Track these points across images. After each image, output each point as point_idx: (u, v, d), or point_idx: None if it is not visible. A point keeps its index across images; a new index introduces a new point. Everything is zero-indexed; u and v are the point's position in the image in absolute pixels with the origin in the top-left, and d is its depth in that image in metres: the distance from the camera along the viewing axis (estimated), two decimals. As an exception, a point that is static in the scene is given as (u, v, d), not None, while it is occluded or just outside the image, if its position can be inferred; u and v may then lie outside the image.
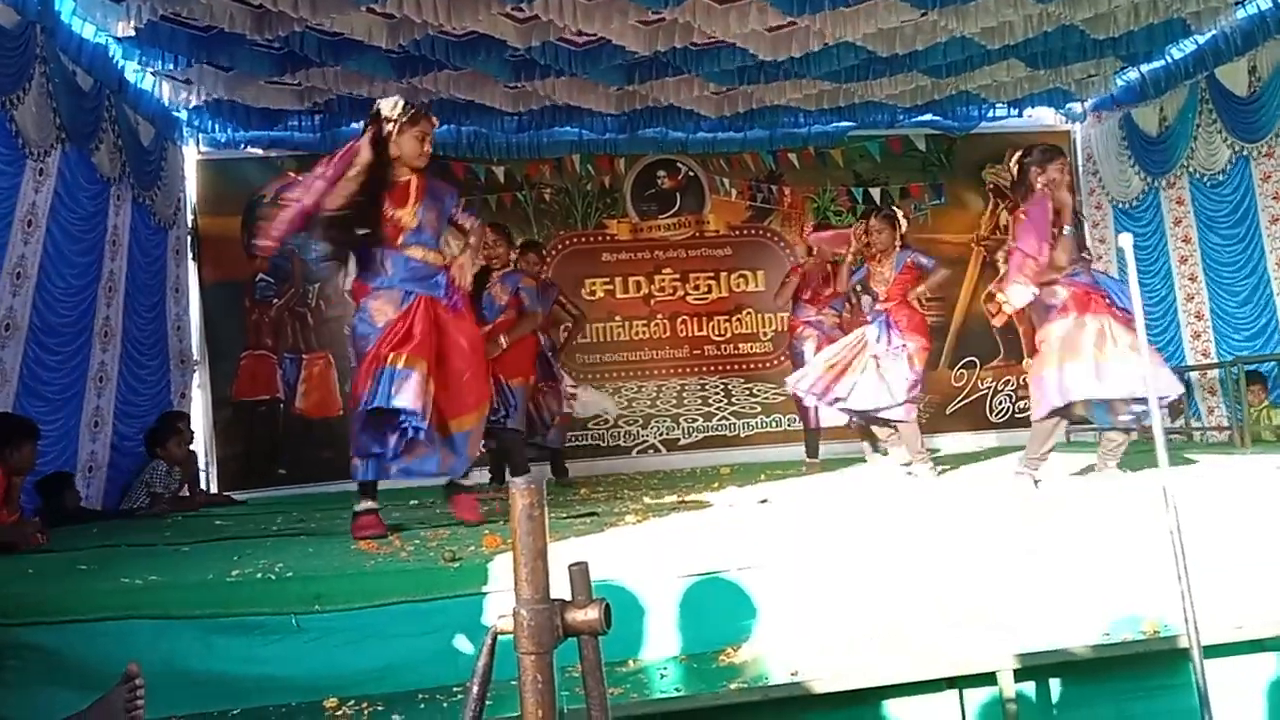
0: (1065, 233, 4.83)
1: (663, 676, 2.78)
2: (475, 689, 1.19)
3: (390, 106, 4.21)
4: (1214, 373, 7.90)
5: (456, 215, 4.52)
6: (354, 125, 8.08)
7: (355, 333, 4.23)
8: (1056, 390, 4.65)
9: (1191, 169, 7.85)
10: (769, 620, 3.05)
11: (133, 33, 5.90)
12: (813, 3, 6.08)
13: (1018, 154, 5.01)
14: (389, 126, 4.20)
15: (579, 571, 1.21)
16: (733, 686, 2.65)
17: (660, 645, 2.99)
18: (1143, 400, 4.52)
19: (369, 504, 4.27)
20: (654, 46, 6.71)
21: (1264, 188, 7.24)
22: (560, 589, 1.22)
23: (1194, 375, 8.02)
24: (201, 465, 7.96)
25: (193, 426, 7.34)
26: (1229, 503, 3.67)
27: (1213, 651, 2.90)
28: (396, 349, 4.02)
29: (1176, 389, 4.77)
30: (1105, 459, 4.86)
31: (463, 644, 2.90)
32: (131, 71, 6.74)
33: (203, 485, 7.57)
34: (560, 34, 6.46)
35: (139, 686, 2.12)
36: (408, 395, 3.94)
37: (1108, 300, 4.73)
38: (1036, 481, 4.84)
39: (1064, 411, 4.78)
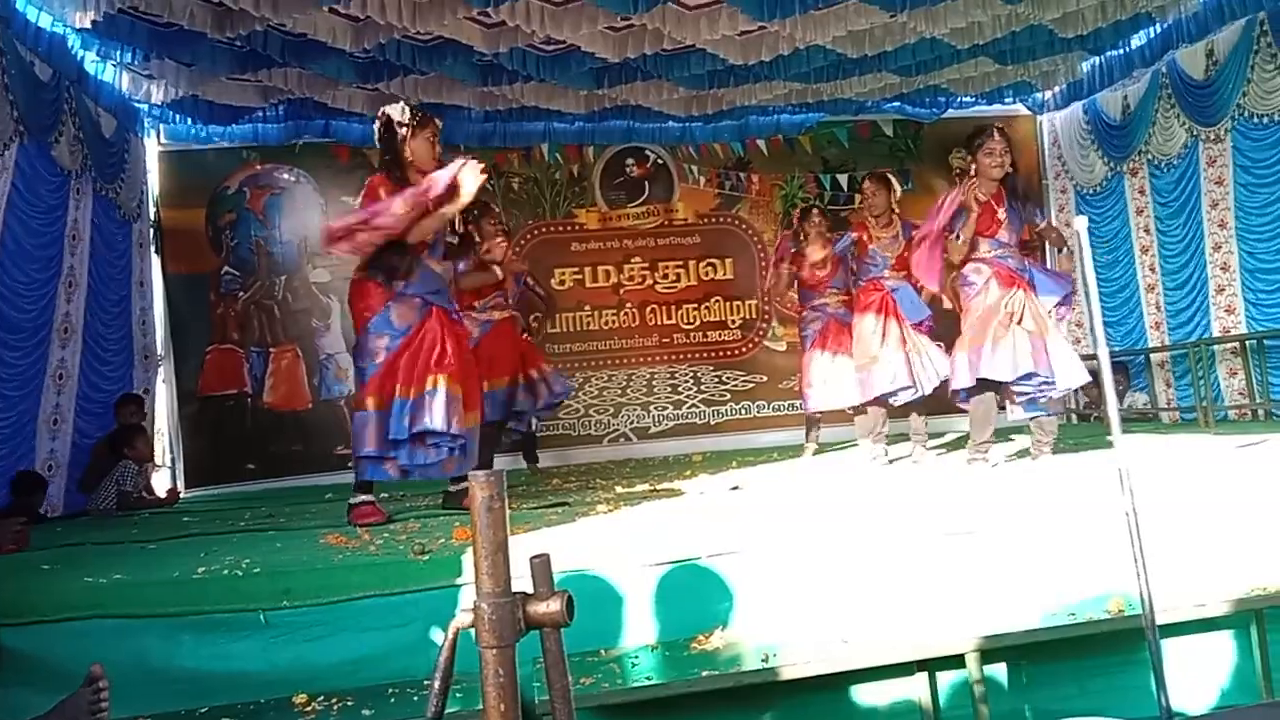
0: (1000, 215, 4.86)
1: (634, 665, 2.79)
2: (437, 684, 1.18)
3: (399, 112, 4.27)
4: (1167, 358, 8.00)
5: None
6: (318, 121, 8.04)
7: (369, 329, 4.19)
8: (964, 370, 4.78)
9: (1149, 155, 7.93)
10: (741, 607, 3.06)
11: (89, 25, 5.78)
12: (783, 7, 6.06)
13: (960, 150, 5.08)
14: (401, 131, 4.24)
15: (540, 564, 1.21)
16: (704, 674, 2.66)
17: (632, 634, 3.00)
18: (1028, 379, 4.64)
19: (365, 495, 4.33)
20: (623, 53, 6.68)
21: (1209, 172, 7.30)
22: (526, 582, 1.22)
23: (1154, 359, 8.12)
24: (166, 461, 7.89)
25: (153, 417, 7.27)
26: (1192, 483, 3.72)
27: (1175, 630, 2.96)
28: (431, 370, 4.10)
29: (1082, 377, 4.76)
30: (1040, 446, 4.94)
31: (433, 637, 2.90)
32: (91, 62, 6.60)
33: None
34: (528, 40, 6.41)
35: (103, 689, 2.10)
36: (439, 416, 4.05)
37: (1030, 285, 4.79)
38: (994, 465, 4.89)
39: (979, 389, 4.86)
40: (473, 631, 1.17)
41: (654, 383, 8.81)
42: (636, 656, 2.87)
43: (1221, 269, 7.19)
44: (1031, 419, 4.97)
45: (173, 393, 8.02)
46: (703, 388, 8.87)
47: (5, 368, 5.59)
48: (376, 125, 4.34)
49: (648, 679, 2.66)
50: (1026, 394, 4.80)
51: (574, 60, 6.87)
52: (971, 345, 4.75)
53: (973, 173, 4.87)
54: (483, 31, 6.33)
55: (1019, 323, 4.64)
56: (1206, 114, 7.24)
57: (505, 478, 1.18)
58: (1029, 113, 9.36)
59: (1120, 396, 7.91)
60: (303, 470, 7.92)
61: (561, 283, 8.67)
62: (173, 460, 7.94)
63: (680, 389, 8.84)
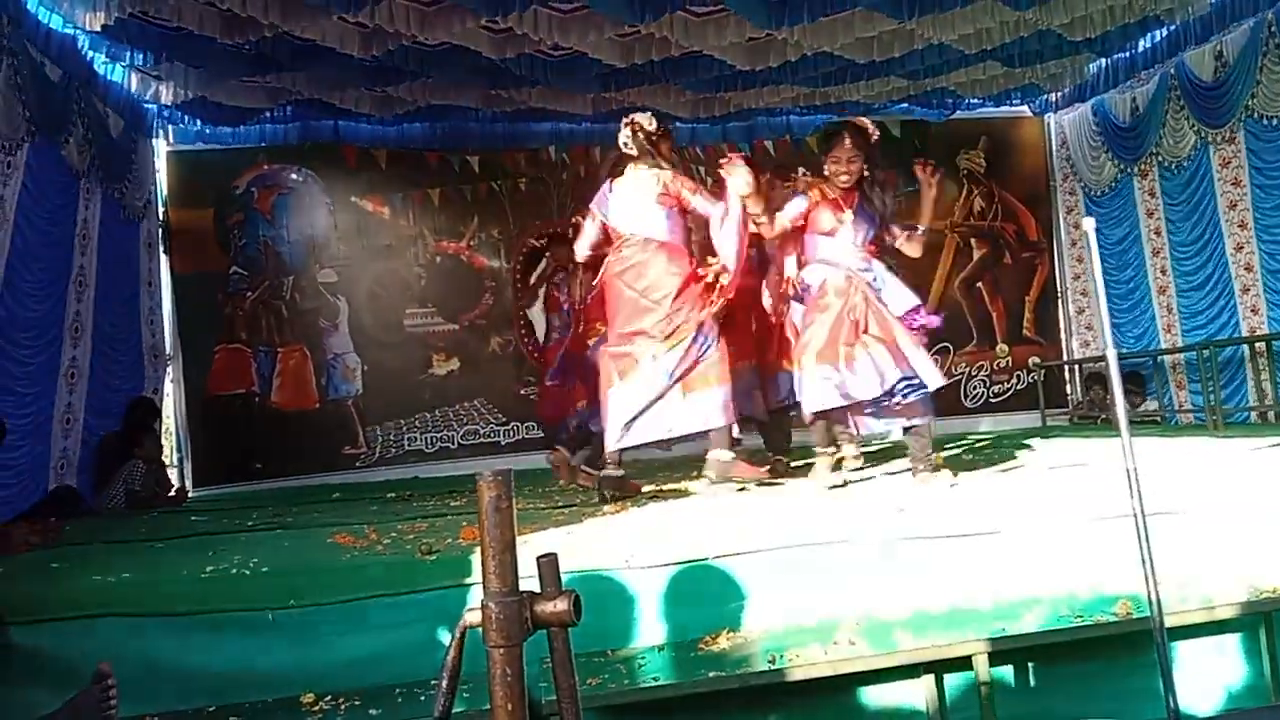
0: (845, 220, 4.54)
1: (642, 665, 2.79)
2: (444, 683, 1.18)
3: (649, 122, 4.83)
4: (1180, 361, 7.96)
5: None
6: (325, 121, 8.07)
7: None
8: (810, 397, 4.45)
9: (1160, 156, 7.90)
10: (749, 608, 3.06)
11: (99, 29, 5.80)
12: (790, 14, 6.04)
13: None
14: (655, 137, 4.80)
15: (548, 563, 1.21)
16: (711, 675, 2.66)
17: (639, 634, 3.00)
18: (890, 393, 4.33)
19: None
20: (631, 59, 6.69)
21: (1223, 173, 7.27)
22: (533, 582, 1.22)
23: (1167, 361, 8.09)
24: (174, 460, 7.92)
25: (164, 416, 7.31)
26: (1201, 485, 3.71)
27: (1184, 632, 2.95)
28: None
29: (938, 380, 4.42)
30: (918, 464, 4.50)
31: (440, 637, 2.90)
32: (100, 63, 6.62)
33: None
34: (536, 46, 6.42)
35: (111, 686, 2.11)
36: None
37: (873, 290, 4.47)
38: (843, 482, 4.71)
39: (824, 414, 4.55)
40: (480, 631, 1.17)
41: (661, 383, 8.78)
42: (644, 657, 2.86)
43: (1245, 269, 7.16)
44: (908, 430, 4.57)
45: (181, 392, 8.04)
46: (710, 388, 8.83)
47: (19, 366, 5.60)
48: (630, 130, 4.79)
49: (655, 680, 2.66)
50: (883, 405, 4.45)
51: (581, 65, 6.87)
52: (824, 360, 4.36)
53: (825, 173, 4.58)
54: (490, 38, 6.35)
55: (865, 331, 4.33)
56: (1216, 116, 7.21)
57: (512, 477, 1.18)
58: (1036, 114, 9.34)
59: (1135, 408, 7.87)
60: (310, 470, 7.93)
61: (568, 283, 8.66)
62: (180, 459, 7.97)
63: (687, 389, 8.80)
